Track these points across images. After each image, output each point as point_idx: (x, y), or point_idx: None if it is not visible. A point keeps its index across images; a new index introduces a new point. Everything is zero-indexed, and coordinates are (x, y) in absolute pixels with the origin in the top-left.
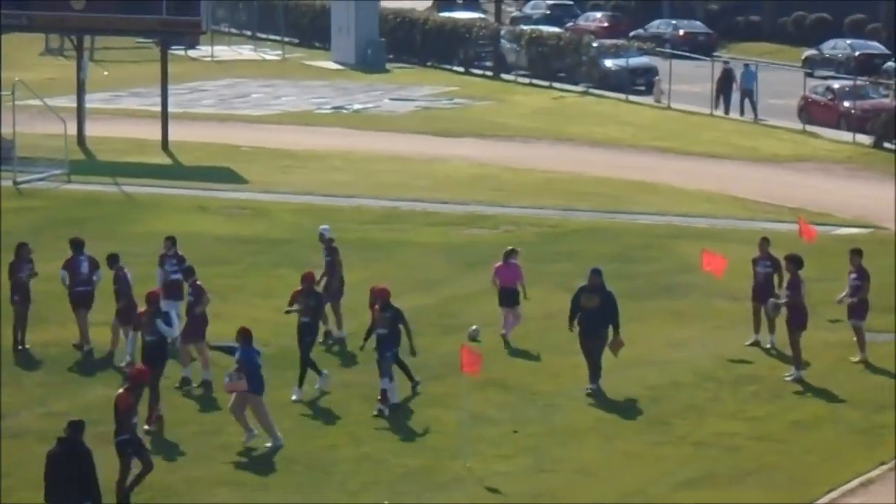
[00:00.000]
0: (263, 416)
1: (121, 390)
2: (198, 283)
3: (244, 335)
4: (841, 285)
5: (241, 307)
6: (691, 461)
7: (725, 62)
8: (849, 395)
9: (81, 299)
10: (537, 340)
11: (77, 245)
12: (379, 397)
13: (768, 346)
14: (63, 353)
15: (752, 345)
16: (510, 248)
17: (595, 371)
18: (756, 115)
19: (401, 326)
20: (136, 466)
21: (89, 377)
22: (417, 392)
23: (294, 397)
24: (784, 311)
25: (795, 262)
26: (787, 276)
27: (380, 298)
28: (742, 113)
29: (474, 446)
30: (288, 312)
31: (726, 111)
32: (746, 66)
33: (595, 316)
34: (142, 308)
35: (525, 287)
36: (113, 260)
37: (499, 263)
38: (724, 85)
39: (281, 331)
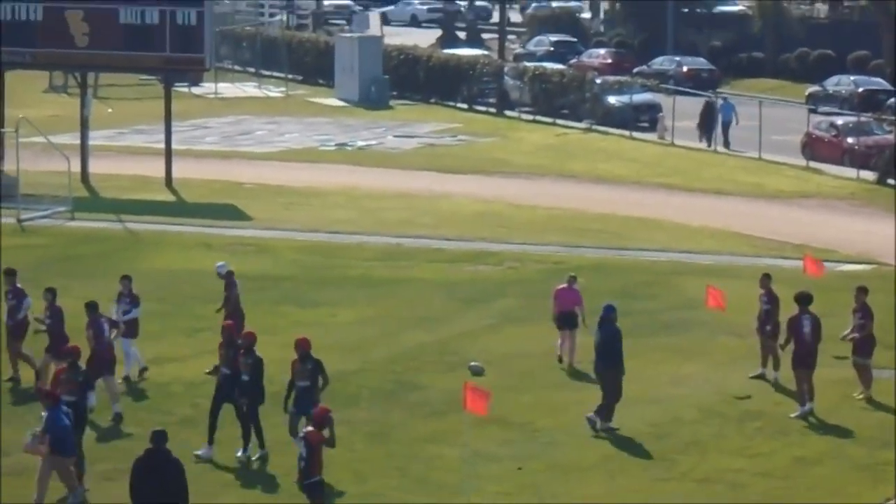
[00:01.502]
0: (68, 476)
1: (309, 428)
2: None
3: (50, 397)
4: (845, 321)
5: None
6: (695, 498)
7: (724, 98)
8: (853, 432)
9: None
10: (539, 377)
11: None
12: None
13: (770, 380)
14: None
15: (756, 377)
16: (572, 274)
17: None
18: (728, 145)
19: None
20: None
21: (91, 415)
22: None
23: (200, 452)
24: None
25: (799, 300)
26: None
27: (300, 350)
28: (715, 144)
29: (477, 483)
30: (211, 374)
31: (709, 144)
32: (725, 98)
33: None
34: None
35: (584, 313)
36: (51, 294)
37: (561, 286)
38: (706, 119)
39: (284, 368)
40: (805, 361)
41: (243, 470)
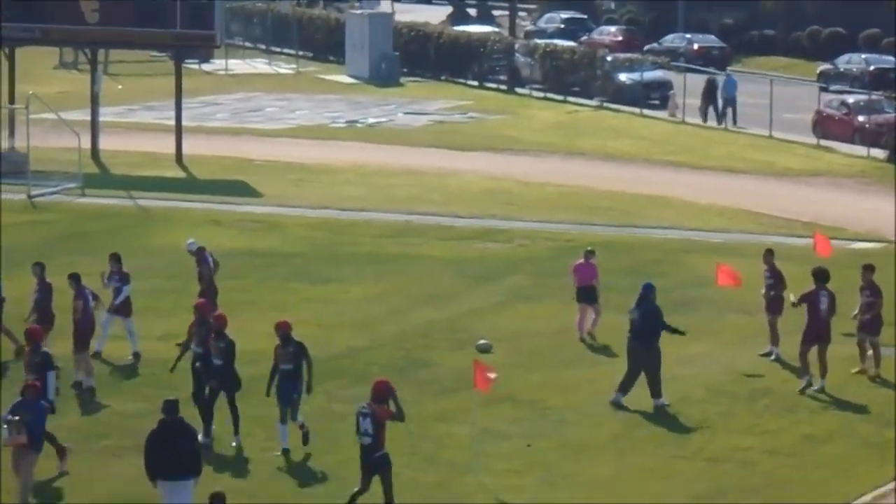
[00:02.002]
0: (27, 474)
1: (371, 403)
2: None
3: (32, 389)
4: (854, 299)
5: (254, 321)
6: (704, 476)
7: (726, 75)
8: (861, 409)
9: None
10: (549, 355)
11: None
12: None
13: (772, 357)
14: (71, 367)
15: (765, 355)
16: (590, 248)
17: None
18: (735, 122)
19: (304, 362)
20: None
21: (99, 391)
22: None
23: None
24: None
25: (817, 276)
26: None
27: (280, 332)
28: (723, 122)
29: (487, 461)
30: (182, 346)
31: (705, 119)
32: (728, 75)
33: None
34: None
35: (600, 287)
36: (39, 268)
37: (579, 262)
38: (707, 96)
39: None
40: (820, 337)
41: (238, 454)
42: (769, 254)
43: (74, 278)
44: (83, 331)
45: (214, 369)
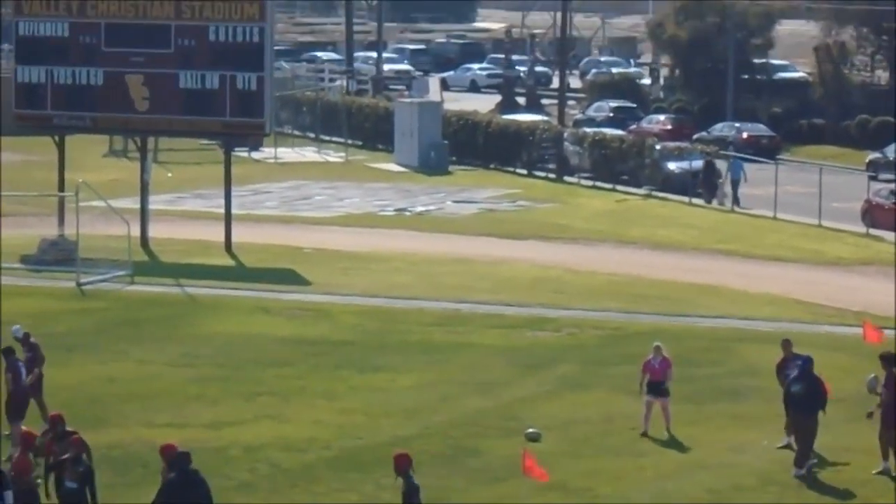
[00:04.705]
0: None
1: None
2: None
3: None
4: None
5: (302, 409)
6: None
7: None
8: None
9: None
10: (598, 443)
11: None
12: None
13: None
14: (126, 455)
15: (782, 447)
16: (657, 343)
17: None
18: (738, 204)
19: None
20: None
21: (151, 481)
22: None
23: None
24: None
25: (888, 359)
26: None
27: (73, 450)
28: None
29: None
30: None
31: (708, 201)
32: (734, 159)
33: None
34: None
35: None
36: (7, 352)
37: (648, 358)
38: (707, 176)
39: (343, 433)
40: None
41: None
42: (788, 343)
43: (7, 352)
44: (15, 402)
45: (67, 492)
